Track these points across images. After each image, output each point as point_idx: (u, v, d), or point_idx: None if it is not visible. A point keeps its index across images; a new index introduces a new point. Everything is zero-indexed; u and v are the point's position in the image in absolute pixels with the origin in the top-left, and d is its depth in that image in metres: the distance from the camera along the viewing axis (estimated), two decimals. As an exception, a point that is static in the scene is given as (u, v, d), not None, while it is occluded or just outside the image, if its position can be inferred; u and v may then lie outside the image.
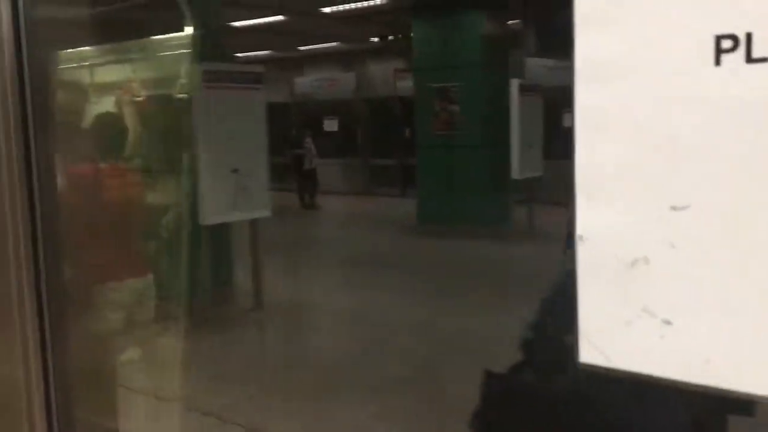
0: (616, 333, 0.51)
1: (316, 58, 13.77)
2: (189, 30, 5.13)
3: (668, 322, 0.49)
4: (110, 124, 2.60)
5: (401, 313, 4.76)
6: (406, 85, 10.98)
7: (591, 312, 0.52)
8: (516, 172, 7.58)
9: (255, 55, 12.35)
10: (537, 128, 7.98)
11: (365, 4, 8.73)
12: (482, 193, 8.01)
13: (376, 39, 11.33)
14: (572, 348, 0.53)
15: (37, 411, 1.01)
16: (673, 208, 0.47)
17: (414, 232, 8.27)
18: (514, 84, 7.63)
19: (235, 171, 4.78)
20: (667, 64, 0.46)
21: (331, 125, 13.52)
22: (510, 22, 8.59)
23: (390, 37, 10.76)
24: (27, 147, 0.98)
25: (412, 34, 8.88)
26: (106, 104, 3.68)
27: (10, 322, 1.00)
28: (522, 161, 7.63)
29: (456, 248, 7.18)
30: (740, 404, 0.69)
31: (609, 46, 0.48)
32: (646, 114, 0.47)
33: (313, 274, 6.11)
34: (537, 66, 9.49)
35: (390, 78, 12.57)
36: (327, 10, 9.15)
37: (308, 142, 11.07)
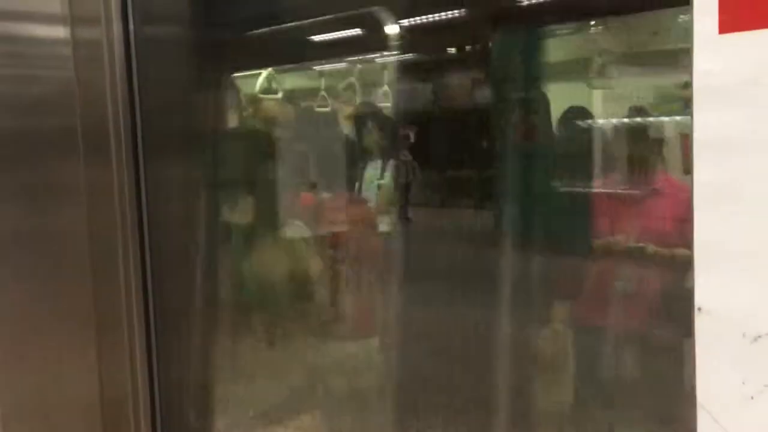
0: (738, 408, 0.50)
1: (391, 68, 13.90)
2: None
3: (794, 400, 0.48)
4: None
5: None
6: (483, 95, 10.91)
7: (711, 386, 0.51)
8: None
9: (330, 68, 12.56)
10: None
11: (442, 15, 8.75)
12: (564, 204, 7.84)
13: (452, 49, 11.34)
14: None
15: (143, 418, 1.08)
16: (803, 284, 0.46)
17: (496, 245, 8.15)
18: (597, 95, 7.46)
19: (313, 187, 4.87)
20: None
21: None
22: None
23: (468, 48, 10.74)
24: (136, 160, 1.04)
25: (491, 45, 8.82)
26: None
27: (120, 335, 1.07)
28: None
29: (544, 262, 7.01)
30: None
31: (734, 122, 0.48)
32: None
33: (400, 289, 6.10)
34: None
35: (467, 88, 12.53)
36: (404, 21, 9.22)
37: (404, 154, 10.84)
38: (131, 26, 1.00)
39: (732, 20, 0.47)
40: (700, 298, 0.51)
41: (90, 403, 1.06)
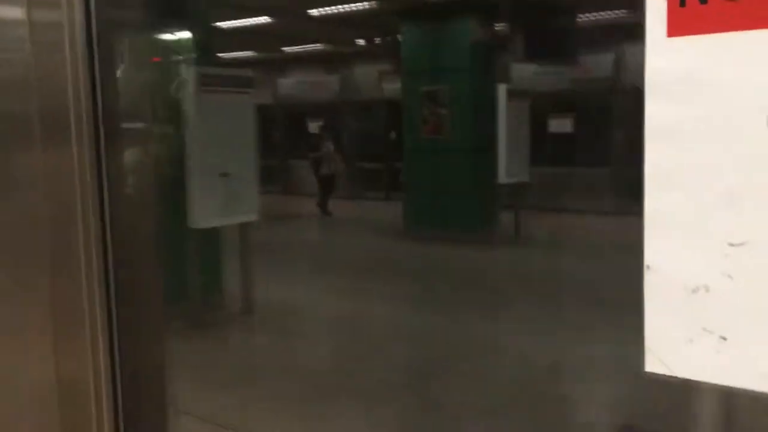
0: (678, 348, 0.61)
1: (299, 60, 13.82)
2: (183, 33, 5.18)
3: (724, 338, 0.59)
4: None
5: (390, 318, 4.86)
6: (392, 87, 11.08)
7: (656, 331, 0.62)
8: (503, 177, 7.72)
9: (237, 56, 12.37)
10: (524, 133, 8.14)
11: (352, 6, 8.82)
12: (468, 197, 8.13)
13: (362, 41, 11.42)
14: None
15: (105, 409, 1.09)
16: (731, 244, 0.57)
17: (400, 237, 8.36)
18: (502, 89, 7.78)
19: (224, 175, 4.83)
20: (727, 129, 0.56)
21: (314, 128, 13.58)
22: (497, 27, 8.74)
23: (377, 40, 10.86)
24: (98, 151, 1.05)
25: (400, 38, 8.98)
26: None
27: (80, 322, 1.07)
28: (509, 166, 7.77)
29: (441, 254, 7.29)
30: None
31: (676, 113, 0.58)
32: (709, 169, 0.58)
33: (301, 279, 6.17)
34: (523, 71, 9.67)
35: (375, 81, 12.67)
36: (314, 12, 9.22)
37: (327, 145, 10.54)
38: (92, 8, 1.01)
39: (677, 26, 0.57)
40: (648, 258, 0.62)
41: (47, 387, 1.06)
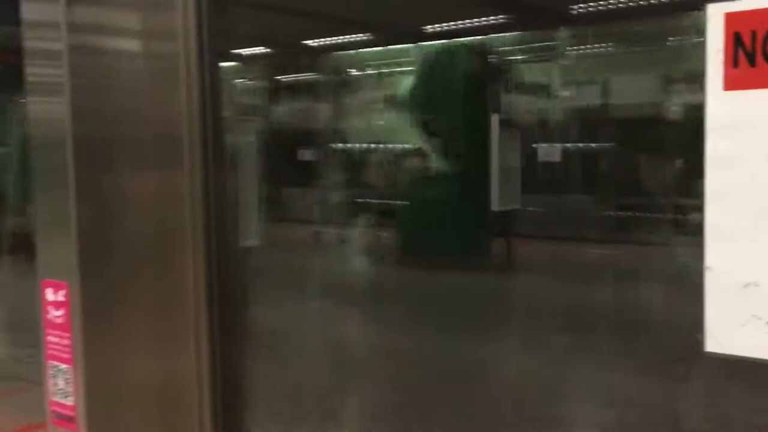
0: (733, 332, 0.77)
1: (293, 88, 14.02)
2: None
3: (770, 324, 0.76)
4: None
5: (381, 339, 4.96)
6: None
7: (715, 318, 0.78)
8: (495, 204, 7.92)
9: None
10: (515, 162, 8.37)
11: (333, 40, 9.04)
12: (461, 225, 8.31)
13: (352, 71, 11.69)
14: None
15: (207, 406, 1.22)
16: (776, 249, 0.74)
17: (394, 264, 8.48)
18: (495, 119, 8.03)
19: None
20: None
21: (306, 155, 13.72)
22: (490, 57, 9.01)
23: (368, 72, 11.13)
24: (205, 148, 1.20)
25: (393, 70, 9.23)
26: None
27: (186, 330, 1.22)
28: (501, 194, 7.98)
29: (435, 280, 7.42)
30: None
31: (730, 147, 0.76)
32: (758, 190, 0.75)
33: (291, 306, 6.24)
34: (513, 101, 9.96)
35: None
36: (310, 42, 9.44)
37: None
38: (205, 41, 1.17)
39: (731, 82, 0.75)
40: (708, 260, 0.78)
41: (159, 386, 1.20)
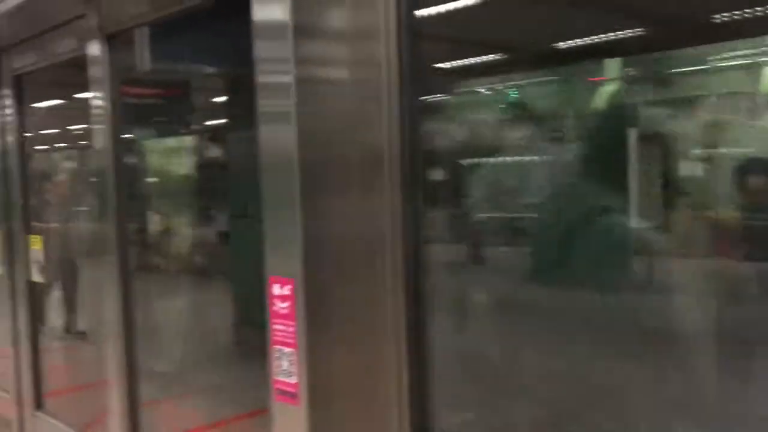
0: None
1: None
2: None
3: None
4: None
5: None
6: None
7: None
8: (635, 222, 7.66)
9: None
10: (654, 177, 8.06)
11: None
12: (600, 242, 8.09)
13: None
14: None
15: (404, 386, 1.39)
16: None
17: (534, 282, 8.38)
18: (632, 133, 7.79)
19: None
20: None
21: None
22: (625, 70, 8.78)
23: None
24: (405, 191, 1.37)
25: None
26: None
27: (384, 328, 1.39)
28: (641, 211, 7.71)
29: (580, 298, 7.26)
30: None
31: None
32: None
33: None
34: (650, 114, 9.59)
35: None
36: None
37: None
38: (405, 67, 1.35)
39: None
40: None
41: (365, 367, 1.39)
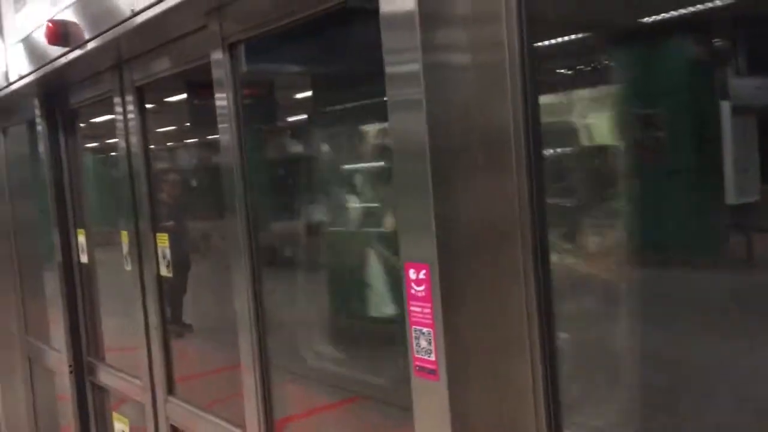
0: None
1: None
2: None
3: None
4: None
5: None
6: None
7: None
8: (732, 198, 7.34)
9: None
10: (752, 151, 7.68)
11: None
12: (694, 220, 7.81)
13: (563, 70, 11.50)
14: None
15: (537, 359, 1.43)
16: None
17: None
18: (725, 107, 7.45)
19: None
20: None
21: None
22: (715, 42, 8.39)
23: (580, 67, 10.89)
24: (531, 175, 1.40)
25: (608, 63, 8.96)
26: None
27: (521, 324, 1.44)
28: (737, 186, 7.37)
29: (683, 278, 7.03)
30: None
31: None
32: None
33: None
34: (745, 86, 9.12)
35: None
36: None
37: None
38: (526, 50, 1.38)
39: None
40: None
41: (495, 345, 1.44)
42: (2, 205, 4.48)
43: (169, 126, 3.03)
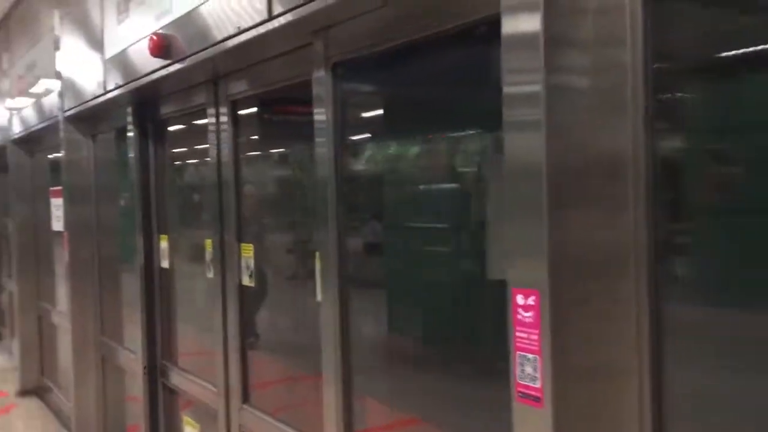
0: None
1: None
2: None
3: None
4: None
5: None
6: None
7: None
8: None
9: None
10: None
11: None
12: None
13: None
14: None
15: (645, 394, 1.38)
16: None
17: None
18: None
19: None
20: None
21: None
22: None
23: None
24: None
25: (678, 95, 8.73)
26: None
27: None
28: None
29: None
30: None
31: None
32: None
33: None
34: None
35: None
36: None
37: None
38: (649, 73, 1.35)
39: None
40: None
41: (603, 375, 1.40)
42: (88, 208, 4.66)
43: (256, 138, 3.10)
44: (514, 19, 1.39)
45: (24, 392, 6.31)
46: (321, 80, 2.14)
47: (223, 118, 2.90)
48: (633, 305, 1.41)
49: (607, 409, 1.42)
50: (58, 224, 5.24)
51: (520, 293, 1.42)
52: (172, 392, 3.73)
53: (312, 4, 1.93)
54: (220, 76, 2.88)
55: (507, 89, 1.41)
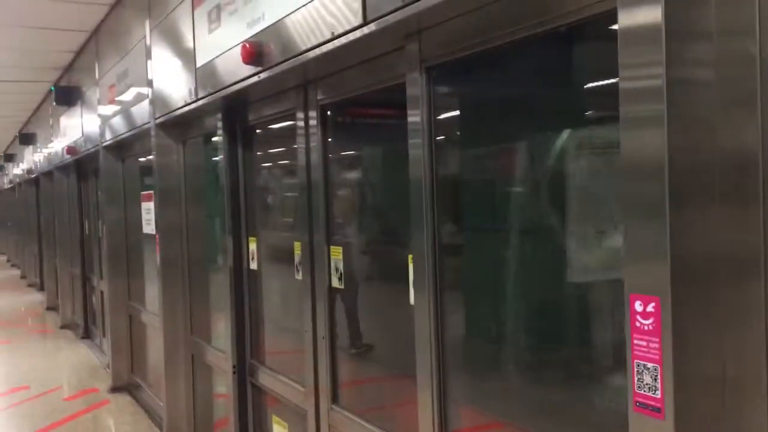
0: None
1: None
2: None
3: None
4: None
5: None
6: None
7: None
8: None
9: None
10: None
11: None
12: None
13: None
14: None
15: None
16: None
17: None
18: None
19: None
20: None
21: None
22: None
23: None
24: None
25: None
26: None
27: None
28: None
29: None
30: None
31: None
32: None
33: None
34: None
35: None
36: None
37: None
38: None
39: None
40: None
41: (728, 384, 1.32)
42: (178, 211, 4.83)
43: (346, 141, 3.12)
44: (632, 12, 1.33)
45: (115, 389, 6.61)
46: (415, 82, 2.12)
47: (312, 122, 2.94)
48: (764, 311, 1.32)
49: (733, 424, 1.34)
50: (148, 227, 5.45)
51: (638, 299, 1.36)
52: (260, 391, 3.81)
53: (407, 8, 1.91)
54: (310, 81, 2.92)
55: (625, 84, 1.36)
